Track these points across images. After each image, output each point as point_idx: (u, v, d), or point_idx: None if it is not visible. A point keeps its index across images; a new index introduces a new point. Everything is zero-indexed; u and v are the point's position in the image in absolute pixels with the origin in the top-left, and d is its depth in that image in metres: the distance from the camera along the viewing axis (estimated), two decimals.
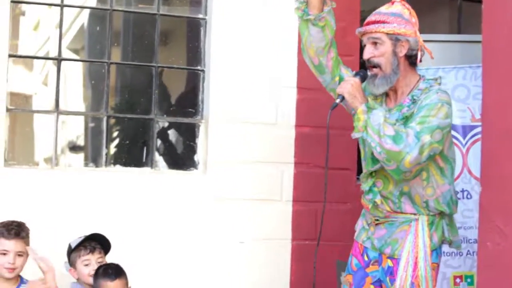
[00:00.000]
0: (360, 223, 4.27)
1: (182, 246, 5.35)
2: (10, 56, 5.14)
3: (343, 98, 3.90)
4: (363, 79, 3.97)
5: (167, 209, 5.32)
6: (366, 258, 4.15)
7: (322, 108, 5.51)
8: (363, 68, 4.20)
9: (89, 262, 4.44)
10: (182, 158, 5.67)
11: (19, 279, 4.27)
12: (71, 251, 4.50)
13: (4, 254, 4.13)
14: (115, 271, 4.35)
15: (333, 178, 5.35)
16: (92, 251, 4.46)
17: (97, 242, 4.54)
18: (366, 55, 3.94)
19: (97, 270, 4.37)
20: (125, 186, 5.27)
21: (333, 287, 5.01)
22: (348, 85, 3.87)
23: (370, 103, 3.84)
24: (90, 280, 4.41)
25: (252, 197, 5.50)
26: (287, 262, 5.58)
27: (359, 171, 5.49)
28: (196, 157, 5.58)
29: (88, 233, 4.61)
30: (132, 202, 5.25)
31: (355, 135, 3.86)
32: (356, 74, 3.99)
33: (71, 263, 4.49)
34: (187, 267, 5.34)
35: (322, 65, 4.12)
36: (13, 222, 4.24)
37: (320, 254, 5.33)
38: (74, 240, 4.55)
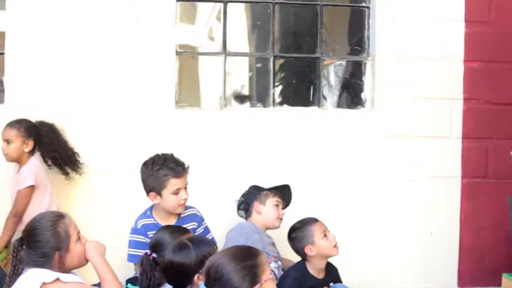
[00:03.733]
0: None
1: (350, 184, 5.54)
2: (177, 0, 5.40)
3: None
4: None
5: (335, 148, 5.52)
6: None
7: (491, 41, 5.54)
8: None
9: (279, 204, 4.75)
10: (349, 96, 5.80)
11: (177, 214, 4.55)
12: (261, 189, 4.81)
13: (177, 193, 4.39)
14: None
15: (503, 114, 5.36)
16: (283, 198, 4.83)
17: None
18: None
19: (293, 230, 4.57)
20: (293, 125, 5.50)
21: (506, 223, 5.04)
22: None
23: None
24: (276, 223, 4.74)
25: (420, 134, 5.59)
26: (457, 200, 5.65)
27: None
28: (363, 95, 5.71)
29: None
30: (300, 141, 5.49)
31: None
32: None
33: (259, 199, 4.78)
34: (355, 204, 5.55)
35: None
36: (172, 158, 4.47)
37: (492, 191, 5.42)
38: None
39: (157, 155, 4.47)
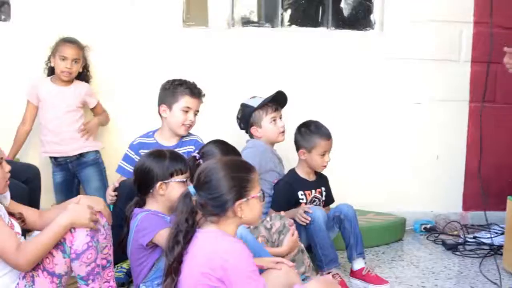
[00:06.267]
0: None
1: (358, 105, 5.62)
2: None
3: None
4: None
5: (343, 69, 5.57)
6: None
7: None
8: None
9: (276, 119, 4.74)
10: (358, 18, 5.78)
11: (180, 137, 4.60)
12: (253, 110, 4.76)
13: (186, 111, 4.49)
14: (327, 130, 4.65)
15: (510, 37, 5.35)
16: (277, 108, 4.76)
17: (275, 101, 4.79)
18: None
19: (305, 126, 4.65)
20: (301, 46, 5.54)
21: None
22: None
23: None
24: (280, 138, 4.74)
25: (429, 57, 5.62)
26: (464, 124, 5.73)
27: None
28: (372, 17, 5.71)
29: (261, 92, 4.88)
30: (308, 62, 5.53)
31: None
32: None
33: (254, 122, 4.77)
34: (361, 126, 5.65)
35: None
36: (193, 83, 4.56)
37: (499, 116, 5.45)
38: (249, 100, 4.83)
39: (180, 78, 4.59)
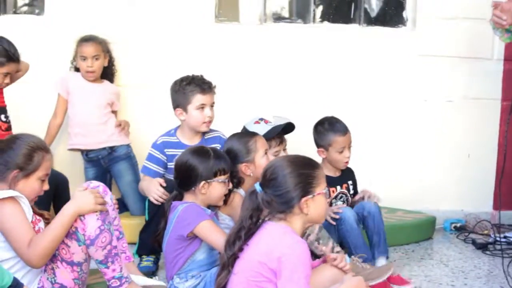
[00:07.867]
0: None
1: (388, 103, 5.62)
2: None
3: None
4: None
5: (375, 66, 5.58)
6: None
7: None
8: None
9: (278, 153, 4.41)
10: (390, 14, 5.78)
11: (202, 135, 4.57)
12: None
13: (202, 108, 4.46)
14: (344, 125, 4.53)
15: None
16: (282, 141, 4.49)
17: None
18: None
19: (320, 124, 4.55)
20: (333, 42, 5.55)
21: None
22: None
23: None
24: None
25: (462, 55, 5.60)
26: (496, 123, 5.70)
27: None
28: (404, 14, 5.71)
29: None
30: (339, 58, 5.54)
31: None
32: None
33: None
34: (392, 124, 5.64)
35: None
36: (201, 77, 4.49)
37: None
38: (252, 125, 4.52)
39: (187, 75, 4.55)
